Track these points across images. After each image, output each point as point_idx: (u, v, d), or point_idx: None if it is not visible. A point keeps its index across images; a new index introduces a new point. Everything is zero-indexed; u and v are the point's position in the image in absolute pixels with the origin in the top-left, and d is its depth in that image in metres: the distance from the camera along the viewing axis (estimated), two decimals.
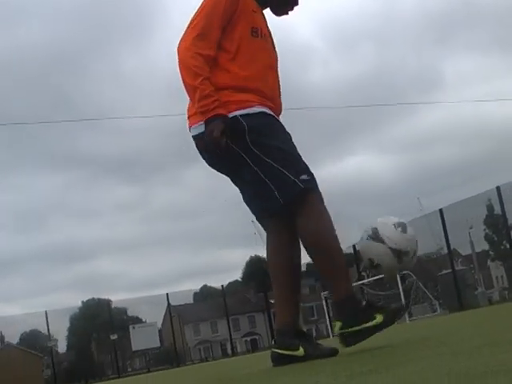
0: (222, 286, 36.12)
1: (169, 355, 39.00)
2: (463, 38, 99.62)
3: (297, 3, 3.60)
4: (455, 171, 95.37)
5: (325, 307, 27.69)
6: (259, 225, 3.44)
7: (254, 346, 54.20)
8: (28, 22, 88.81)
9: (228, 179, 3.42)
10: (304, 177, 3.21)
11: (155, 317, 35.46)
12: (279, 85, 3.51)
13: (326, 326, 30.41)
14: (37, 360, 43.22)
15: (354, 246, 29.34)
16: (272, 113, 3.31)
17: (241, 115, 3.20)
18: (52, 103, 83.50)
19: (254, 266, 53.98)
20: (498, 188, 21.51)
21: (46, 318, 31.33)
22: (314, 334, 54.25)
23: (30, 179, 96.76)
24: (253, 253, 58.83)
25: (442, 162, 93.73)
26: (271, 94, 3.37)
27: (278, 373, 2.63)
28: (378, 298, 26.81)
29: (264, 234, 3.37)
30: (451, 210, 23.71)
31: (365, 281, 28.37)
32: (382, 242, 3.22)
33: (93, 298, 60.44)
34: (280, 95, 3.51)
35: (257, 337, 57.72)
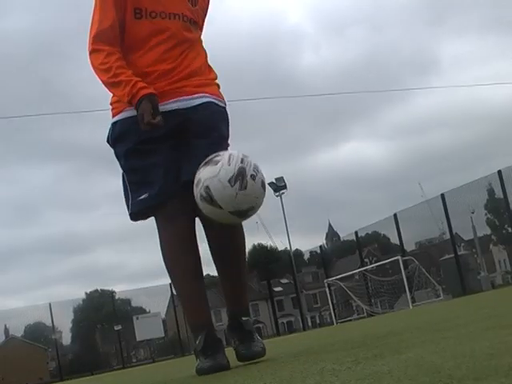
0: None
1: (173, 345, 39.08)
2: (458, 20, 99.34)
3: None
4: (456, 156, 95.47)
5: (328, 294, 27.74)
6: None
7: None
8: (12, 10, 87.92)
9: None
10: (144, 196, 3.01)
11: (159, 307, 35.48)
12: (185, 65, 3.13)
13: (330, 314, 30.47)
14: (41, 352, 43.35)
15: (356, 233, 29.37)
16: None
17: (112, 123, 3.11)
18: (40, 94, 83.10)
19: (256, 255, 54.04)
20: (499, 172, 21.48)
21: (50, 311, 31.34)
22: (318, 322, 54.35)
23: (26, 171, 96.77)
24: (255, 241, 58.95)
25: (443, 146, 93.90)
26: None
27: (283, 361, 2.63)
28: (381, 285, 26.86)
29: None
30: (453, 194, 23.69)
31: (368, 267, 28.42)
32: (219, 207, 2.71)
33: (96, 290, 60.58)
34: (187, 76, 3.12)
35: (260, 325, 57.77)
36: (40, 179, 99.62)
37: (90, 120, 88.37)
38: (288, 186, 33.32)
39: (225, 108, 3.21)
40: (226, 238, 3.08)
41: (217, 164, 2.69)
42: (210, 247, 3.14)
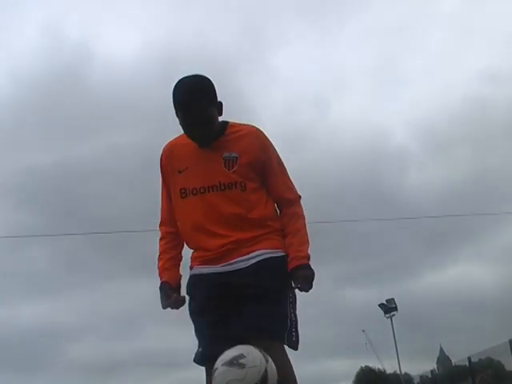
0: None
1: None
2: None
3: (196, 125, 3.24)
4: None
5: None
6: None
7: None
8: (120, 125, 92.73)
9: None
10: (199, 349, 3.27)
11: None
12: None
13: None
14: None
15: (469, 358, 28.71)
16: (199, 270, 3.31)
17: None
18: (146, 208, 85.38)
19: (365, 377, 52.82)
20: None
21: None
22: None
23: (130, 285, 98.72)
24: (363, 363, 57.68)
25: None
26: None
27: None
28: None
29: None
30: None
31: None
32: None
33: None
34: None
35: None
36: (143, 293, 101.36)
37: None
38: (399, 308, 33.12)
39: (277, 257, 3.28)
40: None
41: (243, 368, 2.79)
42: None
